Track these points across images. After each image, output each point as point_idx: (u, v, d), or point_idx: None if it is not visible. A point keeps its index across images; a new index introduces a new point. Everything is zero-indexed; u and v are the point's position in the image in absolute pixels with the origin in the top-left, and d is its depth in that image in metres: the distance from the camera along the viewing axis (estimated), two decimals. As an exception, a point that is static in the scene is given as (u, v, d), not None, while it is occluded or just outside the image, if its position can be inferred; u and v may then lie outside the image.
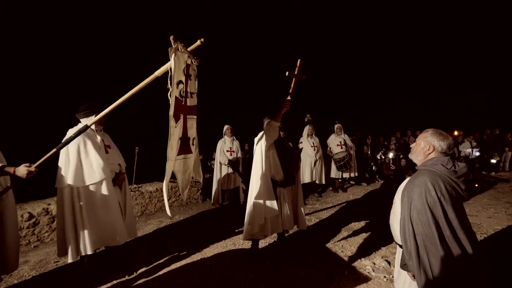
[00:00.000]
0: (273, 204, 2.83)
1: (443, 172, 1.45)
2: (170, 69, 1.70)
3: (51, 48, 11.08)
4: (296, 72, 2.62)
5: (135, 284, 2.59)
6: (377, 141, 8.64)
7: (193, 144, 2.11)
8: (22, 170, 1.89)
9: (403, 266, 1.55)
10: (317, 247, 3.37)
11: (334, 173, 6.35)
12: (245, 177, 5.17)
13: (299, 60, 2.59)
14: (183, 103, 1.89)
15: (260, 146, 2.89)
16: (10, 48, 10.33)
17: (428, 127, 1.65)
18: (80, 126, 2.42)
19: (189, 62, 1.89)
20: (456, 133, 9.70)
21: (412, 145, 1.70)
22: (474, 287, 1.32)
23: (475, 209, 4.79)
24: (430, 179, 1.44)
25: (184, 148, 1.99)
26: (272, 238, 3.53)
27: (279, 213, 2.93)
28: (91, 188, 2.46)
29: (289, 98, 2.65)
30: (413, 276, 1.48)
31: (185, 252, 3.25)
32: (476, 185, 6.51)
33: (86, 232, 2.42)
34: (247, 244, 3.39)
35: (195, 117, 2.11)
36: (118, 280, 2.63)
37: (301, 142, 5.86)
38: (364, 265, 2.91)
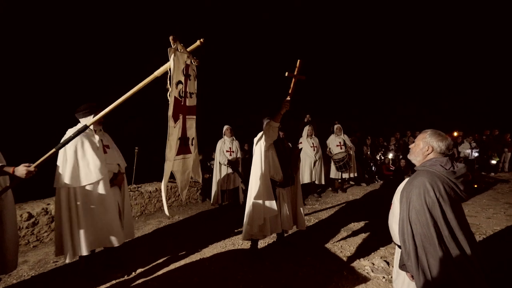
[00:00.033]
0: (272, 204, 2.83)
1: (442, 173, 1.45)
2: (170, 69, 1.70)
3: (51, 48, 11.07)
4: (295, 73, 2.62)
5: (134, 284, 2.59)
6: (376, 141, 8.65)
7: (192, 144, 2.12)
8: (21, 170, 1.90)
9: (402, 266, 1.55)
10: (316, 247, 3.38)
11: (334, 173, 6.35)
12: (245, 177, 5.17)
13: (298, 60, 2.59)
14: (182, 103, 1.89)
15: (259, 147, 2.90)
16: (10, 48, 10.33)
17: (428, 127, 1.65)
18: (79, 126, 2.42)
19: (188, 62, 1.89)
20: (455, 133, 9.71)
21: (411, 146, 1.71)
22: (473, 288, 1.33)
23: (474, 210, 4.80)
24: (428, 180, 1.44)
25: (183, 148, 1.99)
26: (271, 239, 3.53)
27: (278, 213, 2.93)
28: (88, 188, 2.45)
29: (288, 98, 2.65)
30: (412, 276, 1.49)
31: (184, 252, 3.25)
32: (475, 186, 6.52)
33: (82, 232, 2.42)
34: (247, 244, 3.40)
35: (195, 117, 2.12)
36: (117, 280, 2.63)
37: (301, 143, 5.87)
38: (363, 265, 2.91)
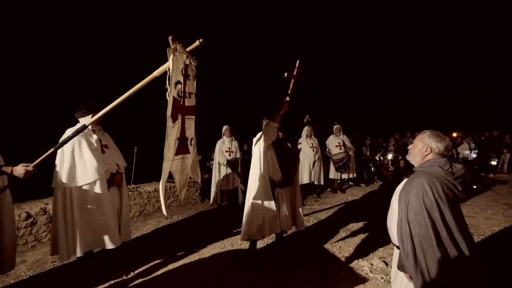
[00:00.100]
0: (271, 204, 2.83)
1: (440, 174, 1.45)
2: (168, 69, 1.70)
3: (51, 48, 11.06)
4: (295, 73, 2.62)
5: (132, 284, 2.59)
6: (376, 142, 8.66)
7: (191, 144, 2.12)
8: (19, 170, 1.89)
9: (400, 267, 1.55)
10: (315, 248, 3.38)
11: (333, 174, 6.35)
12: (244, 177, 5.17)
13: (298, 61, 2.60)
14: (181, 103, 1.89)
15: (258, 147, 2.90)
16: (10, 48, 10.31)
17: (428, 128, 1.66)
18: (78, 125, 2.42)
19: (187, 62, 1.89)
20: (454, 134, 9.73)
21: (409, 147, 1.71)
22: (471, 289, 1.33)
23: (473, 211, 4.80)
24: (427, 181, 1.44)
25: (182, 148, 1.99)
26: (270, 239, 3.53)
27: (277, 213, 2.93)
28: (85, 188, 2.44)
29: (287, 99, 2.65)
30: (410, 277, 1.49)
31: (183, 252, 3.24)
32: (474, 187, 6.53)
33: (77, 233, 2.41)
34: (245, 245, 3.39)
35: (194, 117, 2.12)
36: (116, 280, 2.63)
37: (300, 143, 5.87)
38: (361, 266, 2.91)
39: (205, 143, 6.00)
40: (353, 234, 3.79)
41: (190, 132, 2.09)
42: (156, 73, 1.76)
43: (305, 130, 5.88)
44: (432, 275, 1.35)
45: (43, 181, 2.76)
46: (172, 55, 1.69)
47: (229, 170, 5.12)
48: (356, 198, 5.98)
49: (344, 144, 6.31)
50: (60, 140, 2.03)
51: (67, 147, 2.37)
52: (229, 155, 5.13)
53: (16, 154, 2.41)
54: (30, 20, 10.89)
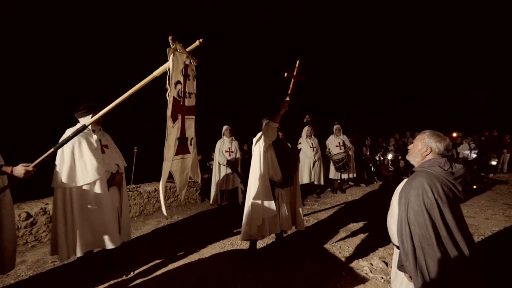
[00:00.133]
0: (271, 204, 2.83)
1: (440, 174, 1.45)
2: (168, 69, 1.70)
3: (51, 48, 11.06)
4: (294, 73, 2.62)
5: (132, 284, 2.59)
6: (376, 142, 8.66)
7: (191, 144, 2.12)
8: (19, 170, 1.89)
9: (400, 267, 1.55)
10: (315, 248, 3.37)
11: (333, 174, 6.35)
12: (244, 177, 5.17)
13: (298, 61, 2.59)
14: (181, 103, 1.89)
15: (258, 147, 2.90)
16: (10, 48, 10.31)
17: (428, 128, 1.66)
18: (78, 125, 2.42)
19: (187, 62, 1.89)
20: (454, 134, 9.73)
21: (409, 147, 1.71)
22: (471, 289, 1.33)
23: (473, 211, 4.80)
24: (427, 181, 1.45)
25: (182, 148, 1.99)
26: (270, 239, 3.53)
27: (277, 213, 2.93)
28: (85, 188, 2.44)
29: (287, 99, 2.65)
30: (410, 277, 1.49)
31: (183, 252, 3.24)
32: (474, 187, 6.53)
33: (77, 233, 2.41)
34: (245, 245, 3.39)
35: (194, 117, 2.12)
36: (116, 280, 2.63)
37: (300, 143, 5.87)
38: (361, 266, 2.91)
39: (205, 143, 5.99)
40: (353, 234, 3.79)
41: (190, 132, 2.09)
42: (156, 73, 1.76)
43: (305, 130, 5.88)
44: (432, 275, 1.35)
45: (43, 181, 2.76)
46: (172, 55, 1.69)
47: (229, 170, 5.12)
48: (356, 198, 5.98)
49: (344, 144, 6.31)
50: (60, 140, 2.03)
51: (67, 147, 2.37)
52: (229, 155, 5.13)
53: (16, 154, 2.41)
54: (30, 20, 10.89)
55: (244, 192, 4.77)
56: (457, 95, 16.66)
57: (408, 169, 7.37)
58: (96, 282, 2.57)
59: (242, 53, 15.10)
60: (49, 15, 10.98)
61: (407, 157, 1.72)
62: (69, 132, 2.43)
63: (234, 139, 5.35)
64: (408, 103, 17.04)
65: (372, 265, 2.91)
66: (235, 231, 3.90)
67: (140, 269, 2.83)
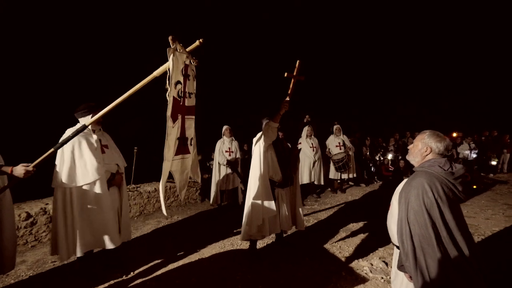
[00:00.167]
0: (271, 204, 2.83)
1: (440, 174, 1.45)
2: (169, 69, 1.70)
3: (51, 48, 11.06)
4: (294, 73, 2.62)
5: (132, 284, 2.59)
6: (376, 142, 8.66)
7: (191, 144, 2.12)
8: (19, 170, 1.89)
9: (400, 267, 1.55)
10: (315, 248, 3.38)
11: (333, 174, 6.35)
12: (244, 177, 5.17)
13: (298, 61, 2.59)
14: (181, 103, 1.89)
15: (258, 147, 2.89)
16: (10, 48, 10.31)
17: (428, 128, 1.66)
18: (78, 125, 2.42)
19: (187, 62, 1.89)
20: (454, 134, 9.73)
21: (409, 147, 1.71)
22: (471, 289, 1.33)
23: (473, 211, 4.80)
24: (427, 181, 1.44)
25: (182, 148, 1.99)
26: (270, 239, 3.53)
27: (277, 213, 2.93)
28: (85, 188, 2.44)
29: (287, 99, 2.65)
30: (410, 277, 1.49)
31: (183, 252, 3.24)
32: (474, 187, 6.53)
33: (77, 233, 2.41)
34: (245, 245, 3.39)
35: (194, 117, 2.12)
36: (116, 280, 2.63)
37: (300, 143, 5.87)
38: (361, 266, 2.91)
39: (205, 143, 6.00)
40: (353, 234, 3.79)
41: (190, 132, 2.09)
42: (156, 73, 1.76)
43: (305, 130, 5.88)
44: (432, 275, 1.35)
45: (43, 181, 2.76)
46: (172, 55, 1.69)
47: (229, 170, 5.12)
48: (356, 198, 5.98)
49: (344, 144, 6.31)
50: (60, 140, 2.03)
51: (67, 147, 2.37)
52: (229, 155, 5.13)
53: (16, 154, 2.41)
54: (30, 20, 10.89)
55: (244, 192, 4.78)
56: (457, 95, 16.67)
57: (408, 169, 7.36)
58: (96, 282, 2.57)
59: (242, 53, 15.11)
60: (49, 15, 10.98)
61: (407, 157, 1.72)
62: (69, 132, 2.43)
63: (234, 139, 5.35)
64: (408, 103, 17.05)
65: (372, 265, 2.91)
66: (235, 231, 3.90)
67: (140, 269, 2.83)
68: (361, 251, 3.23)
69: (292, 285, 2.56)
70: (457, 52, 16.39)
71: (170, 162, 1.79)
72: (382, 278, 2.66)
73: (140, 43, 12.23)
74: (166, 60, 1.71)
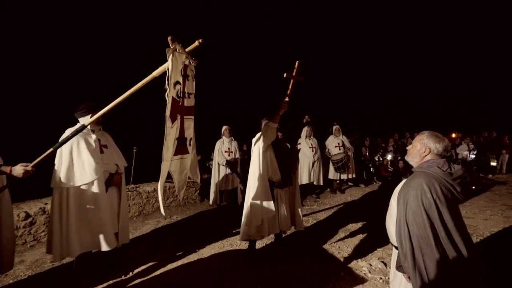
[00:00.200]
0: (270, 205, 2.83)
1: (439, 174, 1.46)
2: (168, 69, 1.70)
3: (51, 48, 11.05)
4: (294, 74, 2.62)
5: (131, 284, 2.58)
6: (375, 142, 8.67)
7: (190, 145, 2.11)
8: (18, 170, 1.89)
9: (399, 267, 1.56)
10: (314, 248, 3.38)
11: (332, 174, 6.36)
12: (243, 177, 5.17)
13: (297, 61, 2.59)
14: (180, 104, 1.89)
15: (257, 147, 2.90)
16: (10, 48, 10.30)
17: (427, 128, 1.66)
18: (78, 125, 2.42)
19: (187, 62, 1.89)
20: (453, 135, 9.75)
21: (408, 147, 1.71)
22: (469, 290, 1.33)
23: (472, 211, 4.81)
24: (425, 181, 1.45)
25: (181, 149, 1.99)
26: (269, 239, 3.53)
27: (276, 214, 2.93)
28: (82, 188, 2.43)
29: (287, 99, 2.65)
30: (409, 277, 1.49)
31: (182, 253, 3.24)
32: (473, 187, 6.54)
33: (73, 234, 2.40)
34: (244, 245, 3.39)
35: (193, 117, 2.11)
36: (115, 280, 2.62)
37: (299, 143, 5.87)
38: (360, 266, 2.91)
39: (205, 143, 6.00)
40: (352, 234, 3.79)
41: (189, 132, 2.09)
42: (156, 73, 1.76)
43: (305, 130, 5.88)
44: (431, 275, 1.35)
45: (42, 181, 2.76)
46: (171, 55, 1.69)
47: (229, 170, 5.12)
48: (355, 198, 5.98)
49: (343, 145, 6.32)
50: (59, 140, 2.03)
51: (65, 147, 2.37)
52: (229, 155, 5.13)
53: (16, 154, 2.40)
54: (30, 20, 10.88)
55: (243, 193, 4.78)
56: (457, 95, 16.70)
57: (407, 169, 7.37)
58: (95, 282, 2.57)
59: (242, 53, 15.11)
60: (49, 15, 10.97)
61: (406, 158, 1.73)
62: (68, 132, 2.43)
63: (233, 139, 5.35)
64: (408, 103, 17.07)
65: (371, 265, 2.92)
66: (234, 231, 3.90)
67: (139, 269, 2.83)
68: (360, 252, 3.24)
69: (291, 285, 2.56)
70: (457, 52, 16.43)
71: (169, 162, 1.79)
72: (381, 278, 2.66)
73: (140, 43, 12.22)
74: (166, 60, 1.71)
